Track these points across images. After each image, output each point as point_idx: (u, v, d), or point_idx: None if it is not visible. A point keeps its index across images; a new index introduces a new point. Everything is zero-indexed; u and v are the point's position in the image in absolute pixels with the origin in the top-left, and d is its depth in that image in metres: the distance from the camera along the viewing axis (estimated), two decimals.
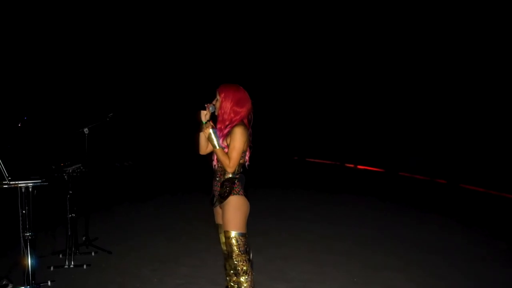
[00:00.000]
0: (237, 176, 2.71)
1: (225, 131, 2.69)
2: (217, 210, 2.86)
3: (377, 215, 6.37)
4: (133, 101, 14.40)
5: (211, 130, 2.65)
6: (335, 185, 9.46)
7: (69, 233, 4.11)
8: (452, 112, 10.82)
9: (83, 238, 4.49)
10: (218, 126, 2.72)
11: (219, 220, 2.88)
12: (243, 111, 2.72)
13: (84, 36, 13.84)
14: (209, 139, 2.67)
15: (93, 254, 4.36)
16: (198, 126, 2.76)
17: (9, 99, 11.81)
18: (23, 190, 3.23)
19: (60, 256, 4.23)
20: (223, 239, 2.90)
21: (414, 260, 4.36)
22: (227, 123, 2.69)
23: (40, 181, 3.26)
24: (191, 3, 14.32)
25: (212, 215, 2.90)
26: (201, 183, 8.94)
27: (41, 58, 13.21)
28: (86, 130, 4.23)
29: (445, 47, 10.75)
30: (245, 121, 2.76)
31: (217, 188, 2.75)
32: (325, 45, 13.55)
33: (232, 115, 2.68)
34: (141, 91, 15.08)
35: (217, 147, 2.64)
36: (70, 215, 4.11)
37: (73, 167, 4.05)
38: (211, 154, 2.93)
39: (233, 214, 2.67)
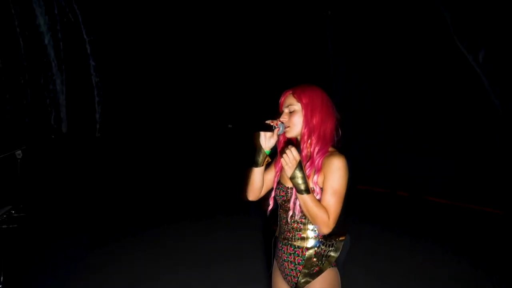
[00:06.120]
0: (342, 239, 1.57)
1: (319, 162, 1.52)
2: (280, 284, 1.71)
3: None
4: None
5: (297, 170, 1.45)
6: None
7: None
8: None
9: None
10: (304, 154, 1.58)
11: None
12: (334, 125, 1.62)
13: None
14: (292, 180, 1.48)
15: None
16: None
17: None
18: None
19: None
20: None
21: None
22: (317, 148, 1.55)
23: None
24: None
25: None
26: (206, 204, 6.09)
27: None
28: (19, 153, 2.80)
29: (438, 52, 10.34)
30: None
31: (296, 258, 1.59)
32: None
33: (324, 133, 1.57)
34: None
35: (305, 193, 1.47)
36: None
37: (1, 212, 2.59)
38: (266, 197, 1.76)
39: None
